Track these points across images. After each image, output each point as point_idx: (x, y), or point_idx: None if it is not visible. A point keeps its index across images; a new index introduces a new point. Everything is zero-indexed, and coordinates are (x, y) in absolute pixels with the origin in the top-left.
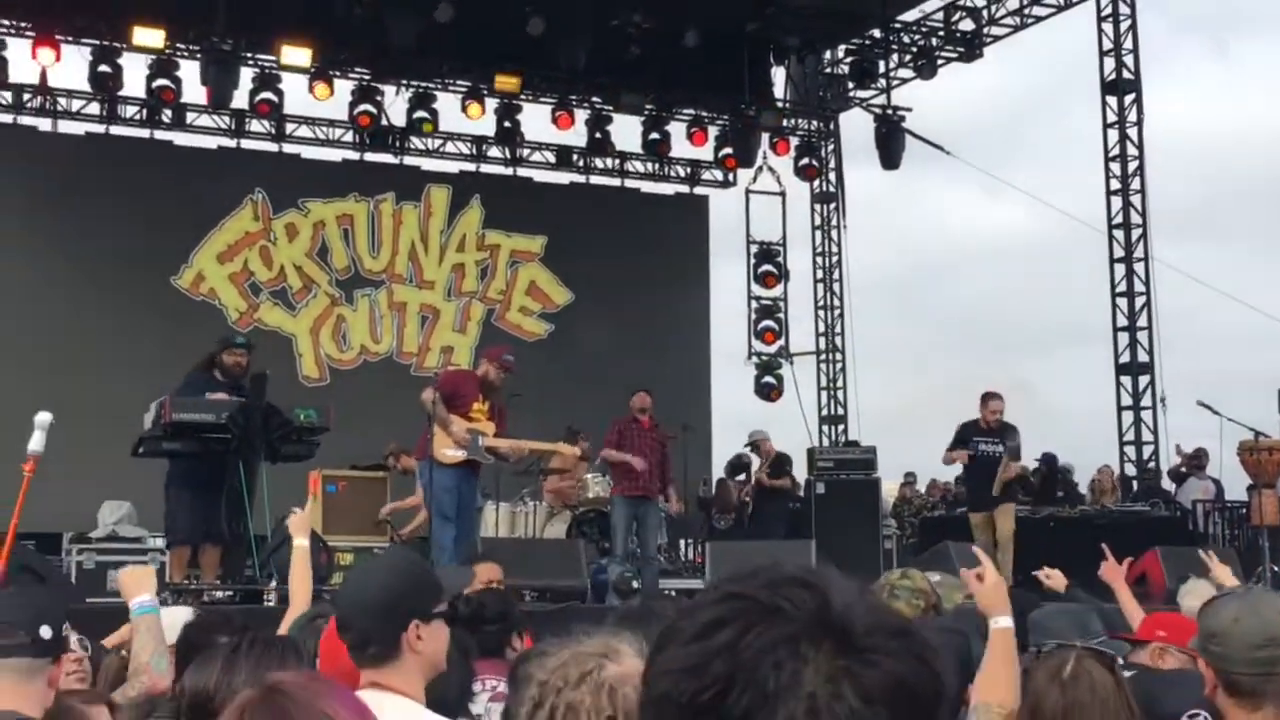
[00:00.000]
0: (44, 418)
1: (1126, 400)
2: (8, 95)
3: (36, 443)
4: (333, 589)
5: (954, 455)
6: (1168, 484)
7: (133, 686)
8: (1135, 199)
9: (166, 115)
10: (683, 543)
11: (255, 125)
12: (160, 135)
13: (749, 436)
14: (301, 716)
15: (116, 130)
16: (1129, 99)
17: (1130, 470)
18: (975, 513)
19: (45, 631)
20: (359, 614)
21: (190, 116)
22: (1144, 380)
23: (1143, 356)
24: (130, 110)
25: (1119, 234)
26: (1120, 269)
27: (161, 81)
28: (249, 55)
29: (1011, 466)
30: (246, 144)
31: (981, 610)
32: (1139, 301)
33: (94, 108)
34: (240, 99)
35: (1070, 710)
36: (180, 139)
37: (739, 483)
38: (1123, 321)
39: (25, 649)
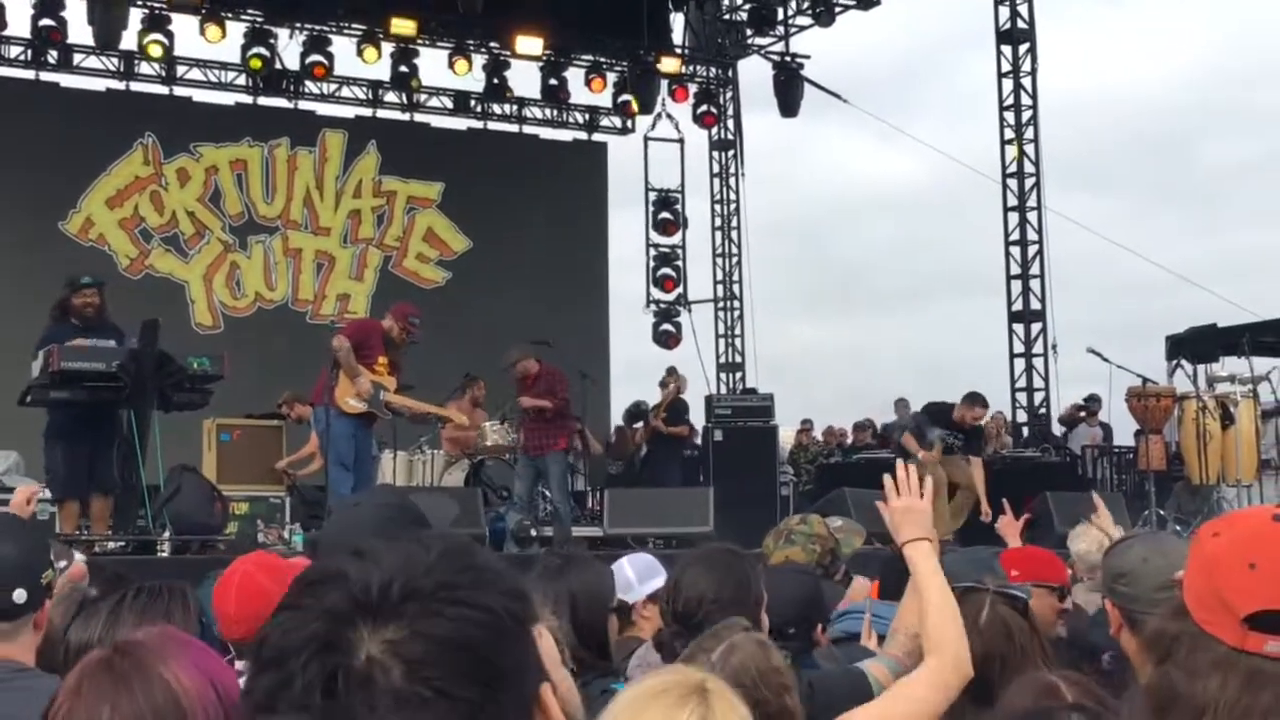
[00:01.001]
0: None
1: (1019, 348)
2: None
3: None
4: (228, 538)
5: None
6: (1058, 430)
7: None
8: (1029, 148)
9: (53, 56)
10: (589, 490)
11: (145, 68)
12: (46, 77)
13: (665, 373)
14: (140, 682)
15: (1, 71)
16: (1024, 48)
17: (1022, 416)
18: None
19: (19, 595)
20: None
21: (77, 58)
22: (1036, 328)
23: (1035, 304)
24: (14, 51)
25: (1013, 183)
26: (1014, 218)
27: (47, 21)
28: None
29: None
30: (136, 86)
31: (892, 533)
32: (1031, 250)
33: None
34: (129, 40)
35: (990, 657)
36: (67, 81)
37: (634, 429)
38: (1015, 270)
39: None
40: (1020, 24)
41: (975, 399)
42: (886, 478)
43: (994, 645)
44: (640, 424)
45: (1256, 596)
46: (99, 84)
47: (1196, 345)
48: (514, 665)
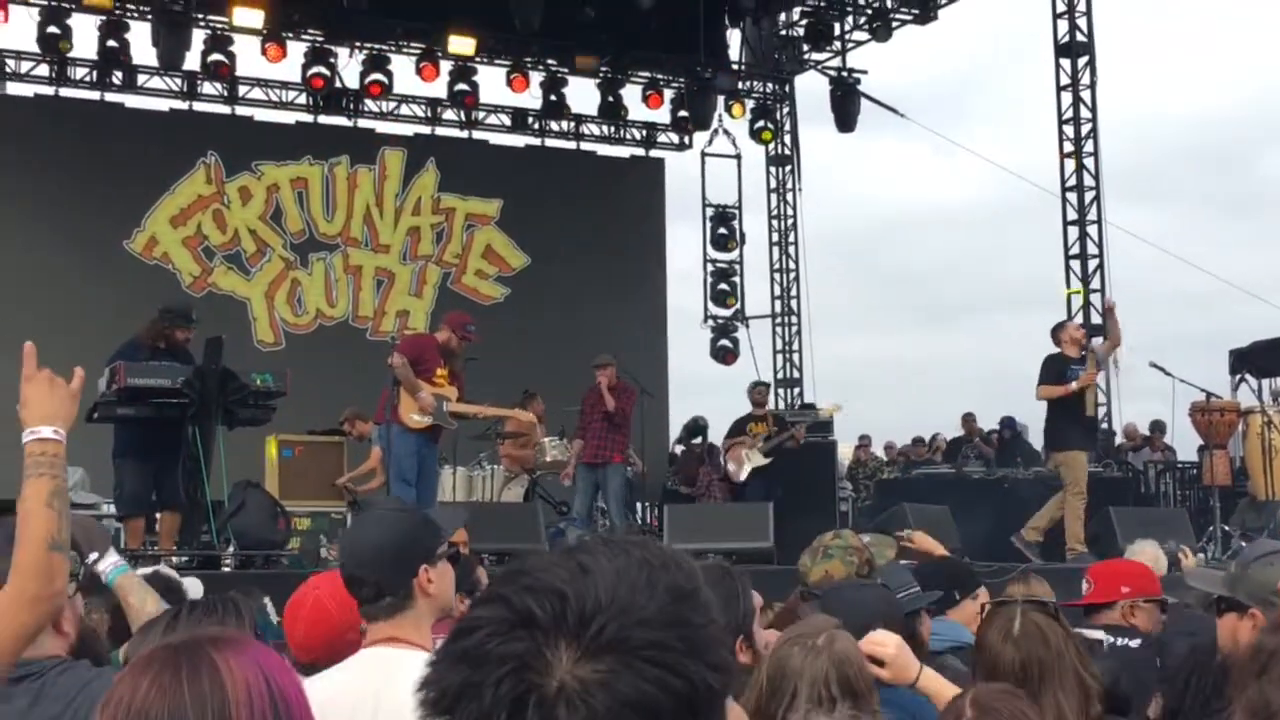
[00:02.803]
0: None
1: None
2: None
3: None
4: (291, 553)
5: (1055, 390)
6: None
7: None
8: (1088, 161)
9: (117, 77)
10: (640, 505)
11: (208, 87)
12: (111, 97)
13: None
14: (188, 665)
15: (66, 92)
16: (1082, 61)
17: None
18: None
19: None
20: (369, 567)
21: (141, 78)
22: (1097, 342)
23: (1095, 319)
24: (80, 72)
25: (1072, 196)
26: (1074, 231)
27: (112, 43)
28: (200, 16)
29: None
30: (199, 106)
31: (897, 683)
32: (1092, 264)
33: (43, 69)
34: (192, 61)
35: (1029, 664)
36: (131, 101)
37: (695, 446)
38: (1076, 284)
39: None
40: (1079, 37)
41: (1062, 324)
42: (866, 647)
43: (1032, 652)
44: (698, 440)
45: None
46: (163, 104)
47: (1260, 359)
48: None
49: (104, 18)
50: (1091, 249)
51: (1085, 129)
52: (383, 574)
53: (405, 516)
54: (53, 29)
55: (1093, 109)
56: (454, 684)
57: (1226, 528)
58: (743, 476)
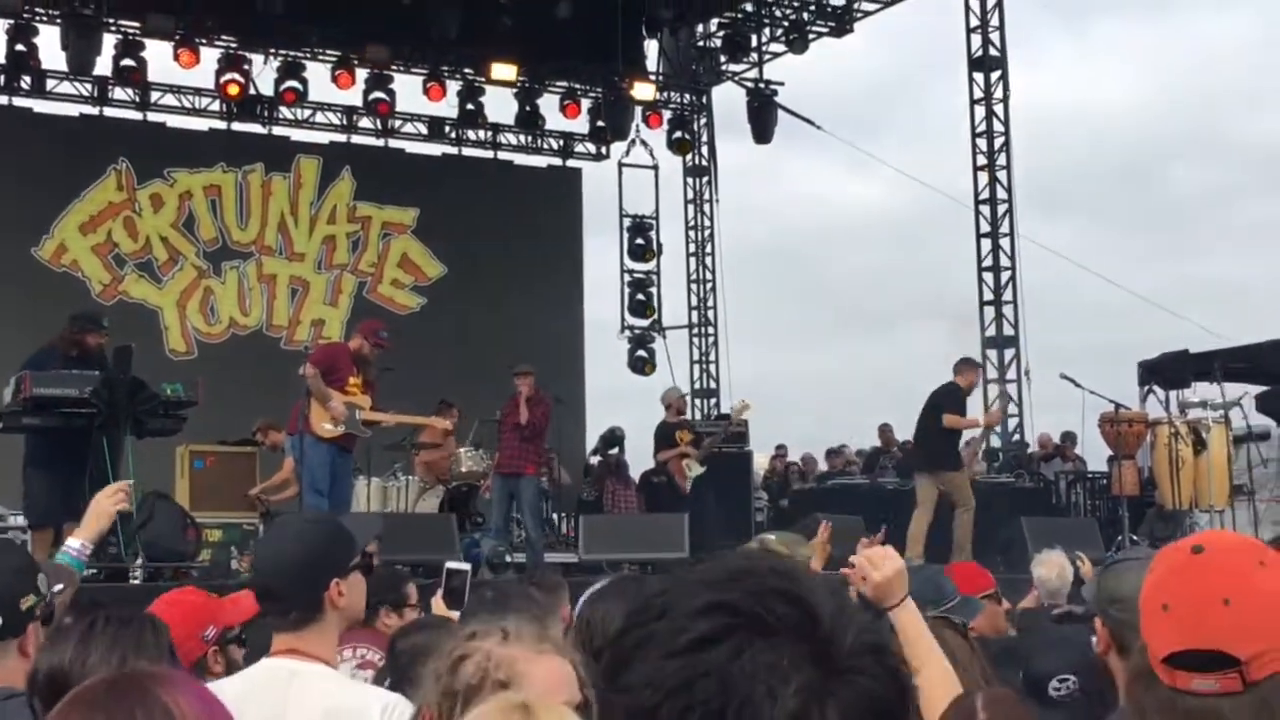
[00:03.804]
0: None
1: (993, 373)
2: None
3: None
4: (201, 565)
5: (963, 421)
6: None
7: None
8: (1001, 175)
9: (26, 82)
10: (556, 516)
11: (119, 93)
12: (19, 102)
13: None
14: (139, 703)
15: None
16: (995, 75)
17: (995, 442)
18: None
19: None
20: (278, 580)
21: (50, 83)
22: (1009, 354)
23: (1008, 330)
24: None
25: (985, 209)
26: (987, 244)
27: (20, 47)
28: (111, 21)
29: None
30: (110, 112)
31: (877, 602)
32: (1005, 276)
33: None
34: (103, 66)
35: None
36: (40, 106)
37: (610, 457)
38: (989, 296)
39: None
40: (992, 51)
41: (969, 363)
42: (856, 560)
43: None
44: (614, 450)
45: (1169, 639)
46: (73, 109)
47: (1168, 371)
48: None
49: (11, 21)
50: (1004, 261)
51: (998, 142)
52: (292, 587)
53: (318, 529)
54: None
55: (1005, 122)
56: (709, 697)
57: (1135, 537)
58: (688, 488)
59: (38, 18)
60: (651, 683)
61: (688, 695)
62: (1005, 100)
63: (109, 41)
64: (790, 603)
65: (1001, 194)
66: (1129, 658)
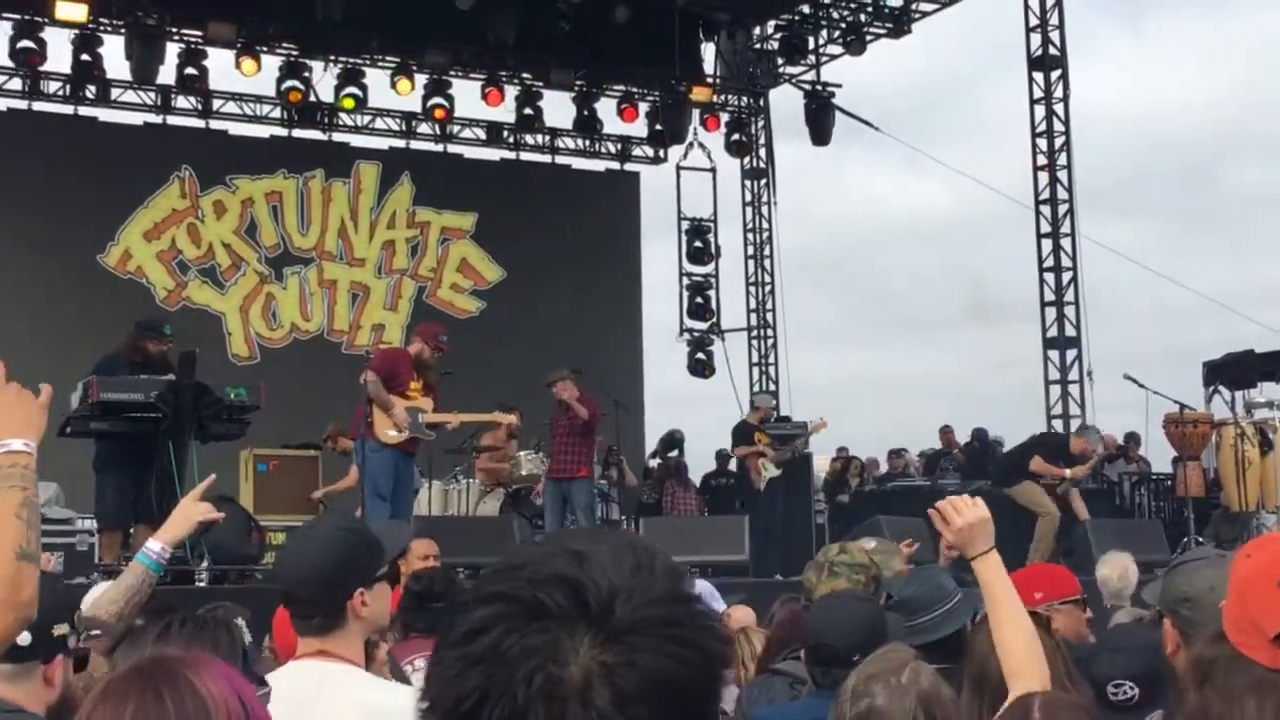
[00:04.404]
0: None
1: (1054, 375)
2: None
3: None
4: (265, 568)
5: (1050, 469)
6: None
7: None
8: (1062, 175)
9: (91, 91)
10: (621, 519)
11: (181, 101)
12: (85, 111)
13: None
14: (168, 687)
15: (39, 106)
16: (1055, 75)
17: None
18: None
19: (23, 638)
20: (303, 585)
21: (115, 92)
22: (1071, 354)
23: (1070, 331)
24: (54, 86)
25: (1046, 210)
26: (1047, 244)
27: (85, 57)
28: (174, 30)
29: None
30: (173, 120)
31: (959, 550)
32: (1066, 277)
33: (16, 83)
34: (166, 75)
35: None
36: (105, 115)
37: (669, 459)
38: (1050, 296)
39: None
40: (1052, 50)
41: (1085, 430)
42: (939, 504)
43: None
44: (675, 452)
45: None
46: (137, 118)
47: (1234, 371)
48: (712, 714)
49: (77, 31)
50: (1065, 262)
51: (1058, 142)
52: (317, 594)
53: (347, 537)
54: (26, 43)
55: (1066, 122)
56: (476, 686)
57: (1201, 539)
58: (761, 486)
59: (103, 28)
60: (435, 676)
61: (459, 685)
62: (1065, 99)
63: (172, 50)
64: (568, 586)
65: (1062, 194)
66: None
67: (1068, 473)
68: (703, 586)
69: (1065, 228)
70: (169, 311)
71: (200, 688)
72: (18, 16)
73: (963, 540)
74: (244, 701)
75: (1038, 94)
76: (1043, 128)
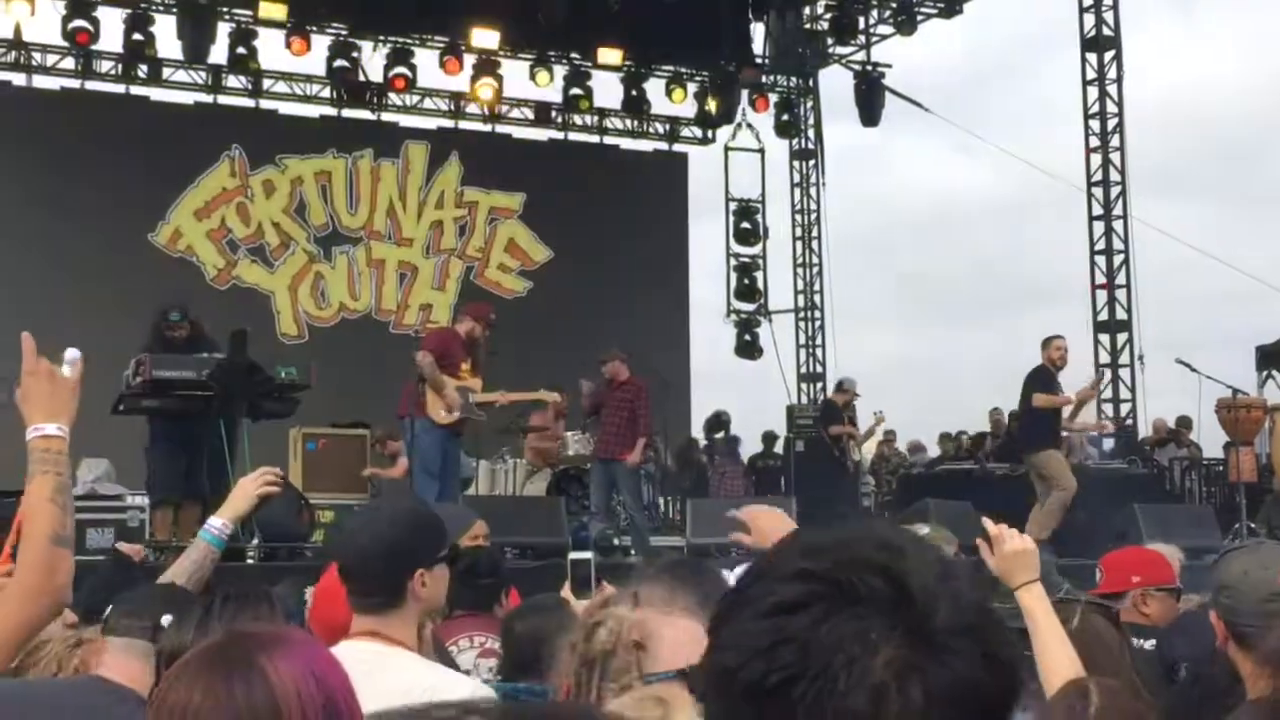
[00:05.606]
0: (72, 354)
1: (1105, 358)
2: None
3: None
4: (314, 546)
5: (1056, 400)
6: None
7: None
8: (1114, 156)
9: (142, 70)
10: (662, 500)
11: (232, 81)
12: (136, 91)
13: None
14: (239, 669)
15: (92, 85)
16: (1109, 56)
17: (1108, 427)
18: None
19: (166, 619)
20: (362, 563)
21: (166, 72)
22: (1122, 338)
23: (1121, 314)
24: (105, 65)
25: (1098, 191)
26: (1099, 226)
27: (137, 36)
28: (225, 10)
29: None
30: (223, 100)
31: (1003, 578)
32: (1117, 259)
33: (69, 63)
34: (217, 54)
35: (1086, 665)
36: (156, 94)
37: (716, 440)
38: (1101, 279)
39: (147, 632)
40: (1106, 30)
41: (1050, 338)
42: (986, 523)
43: (1084, 653)
44: (721, 434)
45: None
46: (187, 97)
47: None
48: None
49: (129, 11)
50: (1117, 244)
51: (1111, 123)
52: (379, 572)
53: (410, 517)
54: (78, 22)
55: (1119, 103)
56: (789, 663)
57: (1252, 525)
58: (851, 465)
59: (154, 7)
60: (736, 643)
61: (768, 659)
62: (1119, 81)
63: (223, 30)
64: (884, 576)
65: (1115, 176)
66: (1251, 648)
67: (1073, 395)
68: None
69: (1117, 210)
70: (219, 290)
71: (272, 673)
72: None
73: (1006, 568)
74: (324, 687)
75: (1090, 75)
76: (1095, 109)
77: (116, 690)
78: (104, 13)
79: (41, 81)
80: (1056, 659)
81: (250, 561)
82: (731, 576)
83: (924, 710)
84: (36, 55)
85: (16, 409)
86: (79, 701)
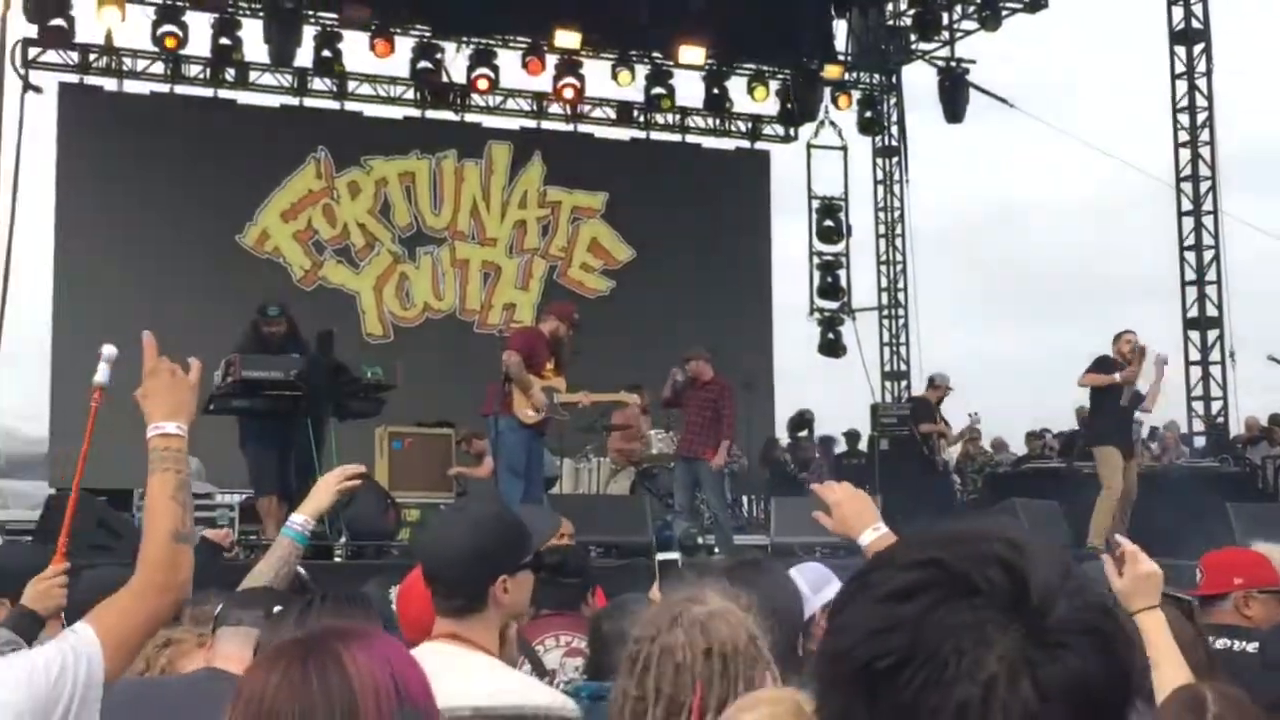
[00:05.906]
0: (109, 350)
1: (1195, 355)
2: (74, 56)
3: (101, 375)
4: (400, 545)
5: (1098, 379)
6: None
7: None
8: (1204, 151)
9: (230, 74)
10: (745, 499)
11: (317, 83)
12: (224, 94)
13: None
14: (314, 659)
15: (181, 89)
16: (1198, 49)
17: (1199, 426)
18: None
19: (277, 609)
20: (446, 566)
21: (253, 75)
22: (1212, 335)
23: (1211, 311)
24: (194, 69)
25: (1187, 187)
26: (1189, 222)
27: (224, 40)
28: (310, 13)
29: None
30: (309, 102)
31: (1123, 601)
32: (1207, 255)
33: (158, 67)
34: (303, 57)
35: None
36: (243, 98)
37: (802, 438)
38: (1191, 276)
39: (259, 620)
40: (1195, 23)
41: (1120, 334)
42: (1122, 541)
43: None
44: (804, 432)
45: None
46: (274, 100)
47: None
48: None
49: (216, 15)
50: (1207, 240)
51: (1201, 117)
52: (461, 576)
53: (496, 522)
54: (168, 27)
55: (1209, 97)
56: (900, 647)
57: None
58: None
59: (241, 11)
60: (851, 627)
61: (878, 643)
62: (1209, 74)
63: (308, 33)
64: (1004, 569)
65: (1204, 171)
66: None
67: (1118, 377)
68: (816, 569)
69: (1207, 205)
70: (305, 291)
71: (349, 665)
72: (160, 2)
73: (1131, 590)
74: (400, 682)
75: (1179, 69)
76: (1184, 103)
77: (232, 679)
78: (192, 17)
79: (132, 86)
80: (1173, 686)
81: (338, 560)
82: (796, 575)
83: (1035, 706)
84: (127, 60)
85: (136, 405)
86: (200, 693)
